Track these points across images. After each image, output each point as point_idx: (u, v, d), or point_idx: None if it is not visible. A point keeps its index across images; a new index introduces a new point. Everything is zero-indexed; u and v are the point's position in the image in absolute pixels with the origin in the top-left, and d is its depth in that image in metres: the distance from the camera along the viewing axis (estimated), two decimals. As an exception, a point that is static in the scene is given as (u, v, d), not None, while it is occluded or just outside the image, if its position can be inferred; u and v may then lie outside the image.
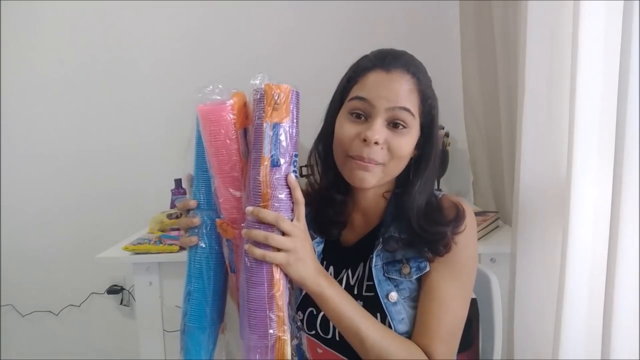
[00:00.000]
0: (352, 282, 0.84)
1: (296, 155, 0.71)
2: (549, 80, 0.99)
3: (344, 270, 0.86)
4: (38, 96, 2.09)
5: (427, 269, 0.79)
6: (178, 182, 1.78)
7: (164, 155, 2.06)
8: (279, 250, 0.66)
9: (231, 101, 0.71)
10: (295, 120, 0.71)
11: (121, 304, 2.16)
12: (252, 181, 0.68)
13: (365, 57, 0.83)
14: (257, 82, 0.70)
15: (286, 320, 0.68)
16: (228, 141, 0.70)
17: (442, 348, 0.75)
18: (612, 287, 0.83)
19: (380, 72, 0.77)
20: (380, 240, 0.82)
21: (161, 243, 1.39)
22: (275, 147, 0.67)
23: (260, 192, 0.67)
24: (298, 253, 0.68)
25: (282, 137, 0.68)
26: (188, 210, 0.75)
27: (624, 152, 0.80)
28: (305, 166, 1.87)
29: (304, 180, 1.86)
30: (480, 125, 1.76)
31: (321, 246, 0.88)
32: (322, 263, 0.87)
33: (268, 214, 0.66)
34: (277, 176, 0.67)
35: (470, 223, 0.81)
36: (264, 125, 0.67)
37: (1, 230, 2.15)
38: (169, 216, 1.48)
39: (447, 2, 1.86)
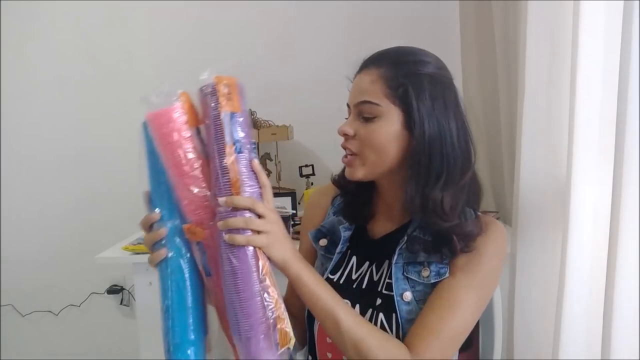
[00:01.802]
0: (375, 278, 0.84)
1: (253, 143, 0.72)
2: (549, 80, 0.99)
3: (367, 263, 0.86)
4: (37, 96, 2.08)
5: (447, 275, 0.79)
6: (178, 182, 1.78)
7: (164, 155, 2.06)
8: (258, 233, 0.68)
9: (179, 102, 0.71)
10: (245, 111, 0.71)
11: (121, 304, 2.16)
12: (219, 171, 0.68)
13: None
14: (205, 76, 0.71)
15: (280, 300, 0.67)
16: (183, 141, 0.69)
17: (435, 348, 0.74)
18: (612, 287, 0.83)
19: (357, 75, 0.83)
20: (405, 238, 0.82)
21: (161, 243, 1.39)
22: (236, 135, 0.68)
23: (229, 180, 0.67)
24: (277, 234, 0.69)
25: (239, 127, 0.69)
26: (151, 226, 0.75)
27: (624, 152, 0.80)
28: (306, 166, 1.88)
29: (303, 180, 1.86)
30: (480, 125, 1.76)
31: (348, 233, 0.89)
32: (346, 251, 0.88)
33: (243, 200, 0.67)
34: (243, 162, 0.68)
35: (497, 239, 0.80)
36: (222, 114, 0.68)
37: (1, 230, 2.15)
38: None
39: (447, 2, 1.86)
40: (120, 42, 2.04)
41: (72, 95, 2.07)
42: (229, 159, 0.67)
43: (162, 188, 0.73)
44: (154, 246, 0.74)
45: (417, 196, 0.78)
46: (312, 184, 1.81)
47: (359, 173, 0.81)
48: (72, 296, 2.17)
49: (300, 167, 1.79)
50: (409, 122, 0.78)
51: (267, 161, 1.86)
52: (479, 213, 0.84)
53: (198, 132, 0.72)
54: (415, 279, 0.80)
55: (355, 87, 0.82)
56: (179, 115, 0.70)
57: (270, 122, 1.84)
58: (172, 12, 2.00)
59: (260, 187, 0.70)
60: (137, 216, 1.83)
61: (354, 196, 0.90)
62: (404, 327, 0.77)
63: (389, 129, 0.78)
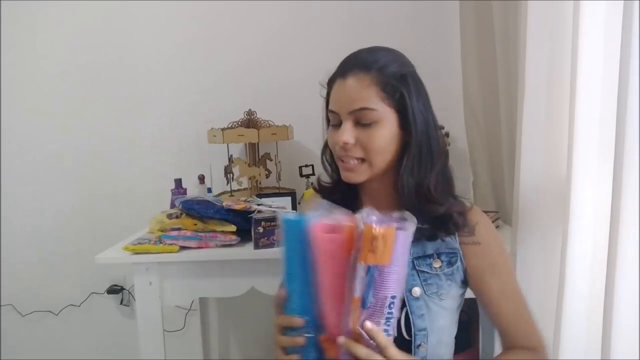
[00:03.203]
0: None
1: (393, 297, 0.70)
2: (549, 80, 0.99)
3: None
4: (37, 97, 2.08)
5: (458, 263, 0.84)
6: (178, 182, 1.78)
7: (164, 155, 2.06)
8: None
9: (345, 231, 0.71)
10: (400, 261, 0.70)
11: (121, 304, 2.16)
12: (344, 318, 0.69)
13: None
14: (363, 215, 0.70)
15: None
16: (340, 269, 0.70)
17: (539, 333, 0.86)
18: (612, 287, 0.83)
19: (339, 80, 0.84)
20: None
21: (161, 243, 1.39)
22: (368, 289, 0.68)
23: (351, 330, 0.69)
24: None
25: (379, 279, 0.68)
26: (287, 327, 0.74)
27: (624, 152, 0.80)
28: (306, 166, 1.88)
29: (303, 180, 1.86)
30: (480, 125, 1.76)
31: None
32: None
33: (360, 350, 0.68)
34: (363, 318, 0.68)
35: (489, 226, 0.89)
36: (358, 265, 0.68)
37: (1, 230, 2.15)
38: (169, 216, 1.48)
39: (447, 2, 1.86)
40: (119, 43, 2.04)
41: (72, 96, 2.07)
42: (352, 311, 0.68)
43: (308, 291, 0.72)
44: (286, 348, 0.75)
45: (413, 188, 0.83)
46: (312, 184, 1.81)
47: (362, 177, 0.84)
48: (72, 296, 2.17)
49: (300, 167, 1.79)
50: (404, 122, 0.82)
51: (267, 161, 1.86)
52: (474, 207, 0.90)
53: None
54: (428, 271, 0.83)
55: (344, 94, 0.82)
56: (343, 244, 0.70)
57: (270, 122, 1.84)
58: (172, 12, 2.00)
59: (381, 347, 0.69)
60: (137, 216, 1.84)
61: (337, 197, 0.93)
62: (415, 322, 0.80)
63: (387, 131, 0.82)
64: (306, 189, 1.76)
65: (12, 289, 2.18)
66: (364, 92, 0.80)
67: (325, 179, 0.97)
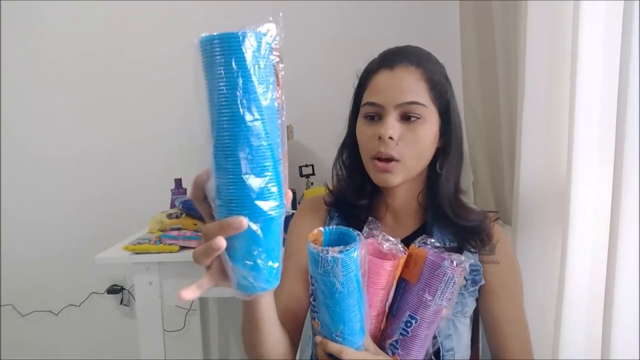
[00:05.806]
0: None
1: (411, 317, 0.73)
2: (549, 81, 0.99)
3: None
4: (37, 97, 2.09)
5: (482, 282, 0.81)
6: (178, 182, 1.78)
7: (163, 155, 2.06)
8: None
9: (398, 260, 0.73)
10: (427, 286, 0.72)
11: (121, 304, 2.16)
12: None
13: (372, 60, 0.83)
14: (426, 246, 0.75)
15: None
16: (382, 290, 0.73)
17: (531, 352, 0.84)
18: (612, 287, 0.83)
19: (384, 71, 0.78)
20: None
21: (161, 243, 1.39)
22: (395, 299, 0.74)
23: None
24: None
25: (403, 293, 0.74)
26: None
27: (624, 152, 0.80)
28: (306, 166, 1.87)
29: (303, 180, 1.86)
30: (480, 125, 1.76)
31: None
32: None
33: (333, 346, 0.68)
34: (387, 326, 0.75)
35: (508, 243, 0.86)
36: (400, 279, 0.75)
37: (1, 229, 2.15)
38: (169, 216, 1.48)
39: (447, 2, 1.86)
40: (118, 43, 2.04)
41: (71, 96, 2.08)
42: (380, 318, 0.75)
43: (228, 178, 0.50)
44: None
45: (452, 195, 0.81)
46: (312, 184, 1.80)
47: (398, 179, 0.78)
48: (72, 296, 2.17)
49: (300, 167, 1.79)
50: (444, 127, 0.79)
51: (267, 161, 1.86)
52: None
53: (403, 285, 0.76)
54: None
55: (392, 85, 0.76)
56: (390, 270, 0.73)
57: (270, 122, 1.84)
58: (173, 12, 2.00)
59: None
60: (137, 216, 1.83)
61: (354, 208, 0.87)
62: (443, 343, 0.78)
63: (431, 131, 0.78)
64: (306, 189, 1.76)
65: (12, 289, 2.19)
66: (414, 86, 0.75)
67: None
